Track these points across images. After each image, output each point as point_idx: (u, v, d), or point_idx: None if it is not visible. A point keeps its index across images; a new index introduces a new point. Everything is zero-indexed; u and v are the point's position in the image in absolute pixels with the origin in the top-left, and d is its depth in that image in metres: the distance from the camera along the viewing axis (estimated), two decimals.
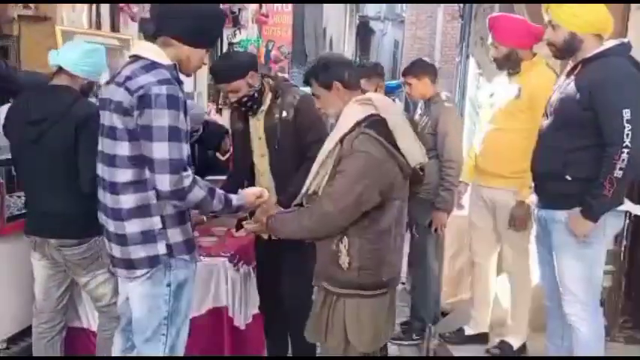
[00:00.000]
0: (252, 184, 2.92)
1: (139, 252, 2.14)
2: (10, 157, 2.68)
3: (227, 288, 3.07)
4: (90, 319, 2.99)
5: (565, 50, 2.50)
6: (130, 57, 2.17)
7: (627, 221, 3.31)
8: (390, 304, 2.30)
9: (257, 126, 2.86)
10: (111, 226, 2.15)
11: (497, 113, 3.07)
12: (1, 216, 2.73)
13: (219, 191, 2.21)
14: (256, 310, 3.30)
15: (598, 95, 2.33)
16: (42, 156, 2.52)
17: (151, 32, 2.19)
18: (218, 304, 3.06)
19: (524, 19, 3.05)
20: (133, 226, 2.11)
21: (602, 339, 2.58)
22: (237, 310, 3.11)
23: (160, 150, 2.02)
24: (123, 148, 2.07)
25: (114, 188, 2.11)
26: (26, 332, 2.82)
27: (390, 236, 2.22)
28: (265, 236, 2.90)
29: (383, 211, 2.16)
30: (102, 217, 2.21)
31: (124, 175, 2.08)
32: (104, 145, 2.14)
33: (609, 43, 2.43)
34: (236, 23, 5.94)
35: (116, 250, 2.18)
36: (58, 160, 2.52)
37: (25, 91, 2.64)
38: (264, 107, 2.82)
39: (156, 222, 2.13)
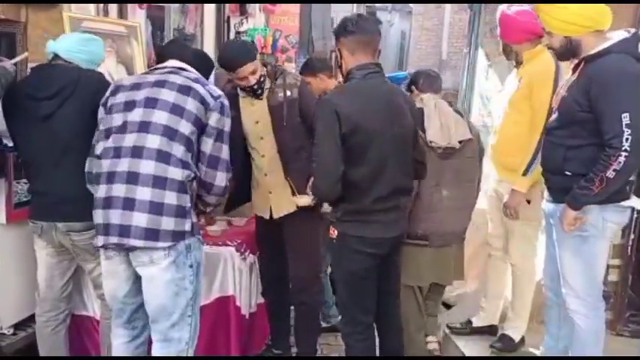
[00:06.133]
0: (245, 169, 3.04)
1: (169, 224, 2.23)
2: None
3: (234, 277, 3.08)
4: (95, 307, 2.98)
5: (564, 53, 2.52)
6: (173, 67, 2.42)
7: (635, 215, 3.30)
8: (435, 255, 3.03)
9: (253, 110, 2.92)
10: (145, 193, 2.20)
11: (505, 106, 3.09)
12: (9, 202, 2.73)
13: None
14: (261, 299, 3.32)
15: (597, 98, 2.31)
16: (54, 133, 2.48)
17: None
18: (225, 293, 3.07)
19: (529, 16, 2.97)
20: (172, 198, 2.23)
21: (600, 335, 2.57)
22: (243, 299, 3.13)
23: (225, 151, 2.39)
24: (185, 127, 2.27)
25: (165, 158, 2.23)
26: (33, 318, 2.81)
27: (420, 197, 2.92)
28: (267, 216, 3.04)
29: None
30: (121, 186, 2.22)
31: (179, 150, 2.26)
32: (156, 116, 2.26)
33: (614, 38, 2.39)
34: (243, 12, 5.91)
35: (141, 219, 2.20)
36: (73, 136, 2.48)
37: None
38: (264, 90, 2.92)
39: (188, 200, 2.30)
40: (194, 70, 2.45)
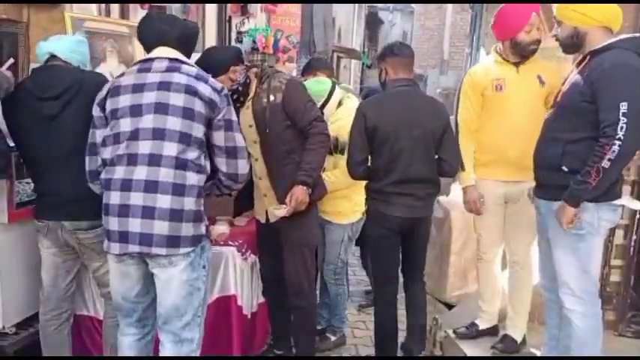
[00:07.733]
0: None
1: (188, 229, 2.25)
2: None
3: (235, 277, 3.08)
4: (97, 307, 2.99)
5: (569, 45, 2.55)
6: (167, 58, 2.33)
7: (637, 215, 3.30)
8: None
9: (246, 114, 2.91)
10: (165, 201, 2.19)
11: (521, 106, 2.95)
12: (11, 202, 2.72)
13: None
14: (262, 299, 3.33)
15: (599, 87, 2.34)
16: (59, 133, 2.48)
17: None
18: (226, 292, 3.08)
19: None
20: (190, 204, 2.25)
21: (599, 334, 2.57)
22: (245, 298, 3.13)
23: (240, 139, 2.41)
24: (198, 131, 2.28)
25: (183, 165, 2.23)
26: (35, 318, 2.82)
27: None
28: (262, 219, 3.06)
29: None
30: (138, 194, 2.19)
31: (193, 153, 2.27)
32: (170, 122, 2.23)
33: (620, 37, 2.43)
34: (244, 12, 5.92)
35: (163, 227, 2.19)
36: (77, 136, 2.47)
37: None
38: (251, 94, 2.89)
39: (202, 203, 2.32)
40: (189, 62, 2.39)
